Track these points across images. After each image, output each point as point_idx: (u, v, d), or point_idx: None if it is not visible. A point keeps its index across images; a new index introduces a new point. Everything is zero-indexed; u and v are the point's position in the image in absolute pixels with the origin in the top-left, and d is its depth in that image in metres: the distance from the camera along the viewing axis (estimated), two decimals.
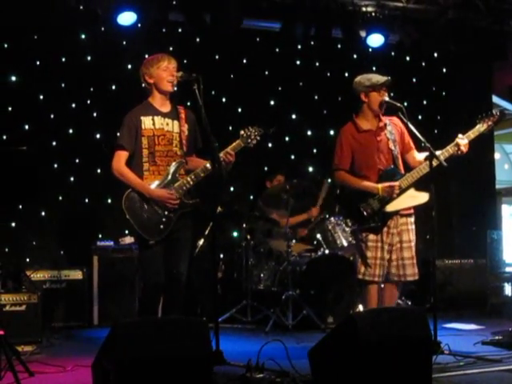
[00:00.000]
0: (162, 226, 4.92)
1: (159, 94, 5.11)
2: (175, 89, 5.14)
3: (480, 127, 5.43)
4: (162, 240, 4.92)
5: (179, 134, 5.08)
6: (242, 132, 5.08)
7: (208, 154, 4.94)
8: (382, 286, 5.50)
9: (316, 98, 9.00)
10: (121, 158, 4.99)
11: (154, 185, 4.95)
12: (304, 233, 7.80)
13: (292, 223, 7.39)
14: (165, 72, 5.04)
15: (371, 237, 5.41)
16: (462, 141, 5.30)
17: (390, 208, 5.40)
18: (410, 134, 5.50)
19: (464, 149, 5.30)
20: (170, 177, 4.98)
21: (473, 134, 5.41)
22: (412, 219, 5.51)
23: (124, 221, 4.91)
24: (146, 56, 5.30)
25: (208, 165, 4.94)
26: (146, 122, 5.02)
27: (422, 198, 5.44)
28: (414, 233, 5.52)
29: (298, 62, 8.95)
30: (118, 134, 5.03)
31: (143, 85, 5.13)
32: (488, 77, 9.71)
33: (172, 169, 4.99)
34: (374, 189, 5.39)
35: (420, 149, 5.40)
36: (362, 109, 5.56)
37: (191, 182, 4.99)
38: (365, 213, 5.39)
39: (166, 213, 4.93)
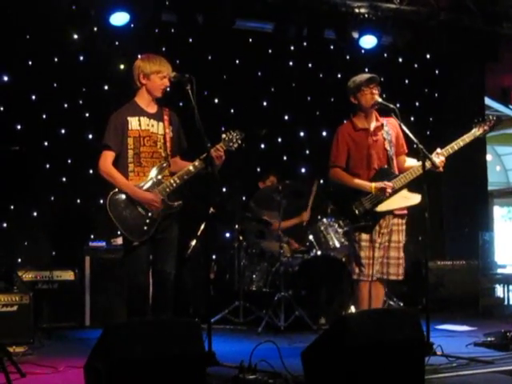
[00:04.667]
0: (145, 228, 4.92)
1: (147, 95, 5.11)
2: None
3: (476, 131, 5.47)
4: (146, 241, 4.92)
5: (163, 136, 5.09)
6: (223, 136, 5.08)
7: (200, 154, 4.93)
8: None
9: (309, 99, 9.01)
10: (107, 158, 4.99)
11: (138, 187, 4.94)
12: (295, 246, 7.78)
13: (283, 227, 7.37)
14: (161, 80, 5.06)
15: (364, 237, 5.42)
16: (438, 158, 5.31)
17: (382, 208, 5.42)
18: (404, 135, 5.50)
19: (440, 167, 5.31)
20: (152, 179, 4.97)
21: (468, 138, 5.44)
22: (404, 220, 5.53)
23: (110, 222, 4.90)
24: (139, 56, 5.25)
25: (191, 167, 4.96)
26: (133, 122, 5.02)
27: (415, 199, 5.47)
28: (404, 234, 5.54)
29: (290, 63, 8.95)
30: (105, 134, 5.01)
31: (136, 82, 5.08)
32: (480, 78, 9.74)
33: (154, 171, 4.99)
34: (367, 187, 5.41)
35: (413, 150, 5.40)
36: (355, 111, 5.57)
37: (174, 185, 4.98)
38: (356, 211, 5.41)
39: (150, 214, 4.93)
